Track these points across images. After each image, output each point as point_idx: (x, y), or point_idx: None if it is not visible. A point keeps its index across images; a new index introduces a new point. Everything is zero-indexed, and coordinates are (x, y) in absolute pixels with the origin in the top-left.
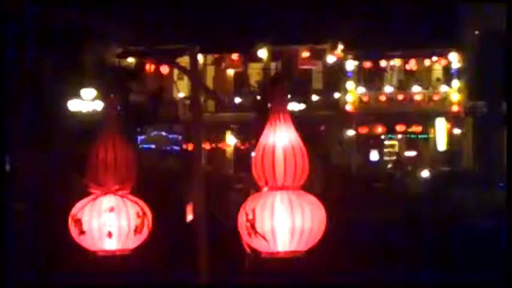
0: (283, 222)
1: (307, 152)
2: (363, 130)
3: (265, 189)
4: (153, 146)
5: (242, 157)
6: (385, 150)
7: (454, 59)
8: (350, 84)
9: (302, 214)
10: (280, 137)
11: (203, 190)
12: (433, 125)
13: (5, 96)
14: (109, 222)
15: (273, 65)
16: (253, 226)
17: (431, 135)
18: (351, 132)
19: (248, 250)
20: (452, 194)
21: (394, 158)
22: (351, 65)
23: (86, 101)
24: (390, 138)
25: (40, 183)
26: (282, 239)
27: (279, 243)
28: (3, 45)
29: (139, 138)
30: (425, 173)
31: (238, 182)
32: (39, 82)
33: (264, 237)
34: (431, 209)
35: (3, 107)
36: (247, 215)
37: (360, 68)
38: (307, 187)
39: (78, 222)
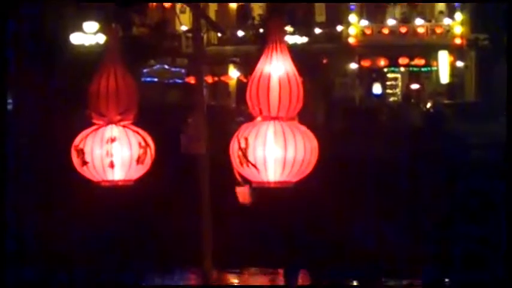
0: (276, 152)
1: (309, 85)
2: (366, 63)
3: (258, 118)
4: (155, 80)
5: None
6: (388, 83)
7: None
8: (353, 17)
9: (295, 145)
10: (276, 67)
11: (204, 122)
12: (435, 58)
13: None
14: (111, 152)
15: None
16: (245, 155)
17: (434, 68)
18: (353, 65)
19: (239, 179)
20: (454, 127)
21: (398, 90)
22: None
23: (88, 34)
24: (393, 71)
25: (43, 117)
26: (273, 169)
27: (270, 173)
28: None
29: (142, 71)
30: (428, 106)
31: (240, 115)
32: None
33: (255, 166)
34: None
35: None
36: (239, 143)
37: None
38: (309, 119)
39: (80, 152)
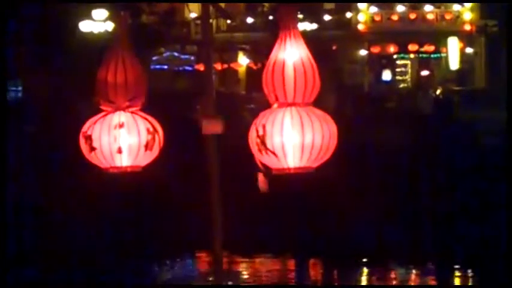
0: (293, 137)
1: (318, 72)
2: (375, 49)
3: (275, 105)
4: (165, 67)
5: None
6: (397, 69)
7: None
8: (362, 4)
9: (312, 130)
10: (291, 53)
11: (214, 110)
12: (445, 44)
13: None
14: (119, 138)
15: None
16: (263, 142)
17: (443, 55)
18: (363, 52)
19: (261, 166)
20: (464, 113)
21: (407, 77)
22: None
23: (98, 22)
24: (402, 58)
25: (52, 104)
26: (292, 155)
27: (289, 159)
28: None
29: (152, 58)
30: (437, 93)
31: (250, 102)
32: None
33: (274, 153)
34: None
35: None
36: (257, 131)
37: None
38: (319, 105)
39: (88, 138)
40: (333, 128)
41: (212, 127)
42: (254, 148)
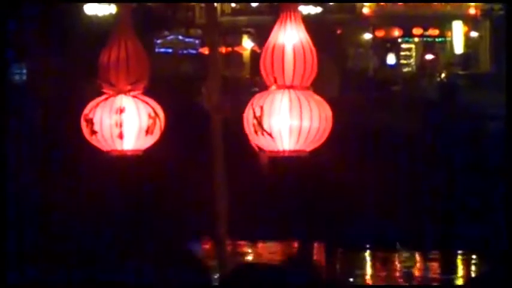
0: (291, 120)
1: (322, 56)
2: (380, 33)
3: (273, 87)
4: (170, 50)
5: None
6: (402, 53)
7: None
8: None
9: (310, 114)
10: (290, 36)
11: (218, 93)
12: (450, 28)
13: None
14: (120, 122)
15: None
16: (260, 123)
17: (448, 39)
18: (367, 36)
19: (256, 148)
20: (469, 97)
21: (412, 61)
22: None
23: (102, 4)
24: (407, 42)
25: (55, 86)
26: (289, 137)
27: (285, 141)
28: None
29: (156, 42)
30: (442, 77)
31: (254, 85)
32: None
33: (270, 135)
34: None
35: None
36: (254, 112)
37: None
38: (323, 89)
39: (89, 122)
40: (329, 113)
41: (219, 110)
42: (250, 129)
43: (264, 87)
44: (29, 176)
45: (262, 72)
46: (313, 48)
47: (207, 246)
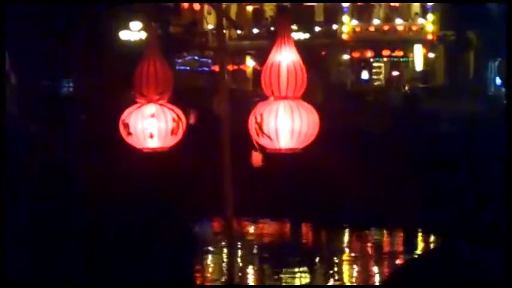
0: (285, 124)
1: (310, 73)
2: (356, 54)
3: (271, 98)
4: (188, 68)
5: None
6: (374, 70)
7: None
8: (345, 18)
9: (300, 118)
10: (285, 56)
11: (226, 102)
12: (412, 50)
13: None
14: (151, 125)
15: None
16: (260, 127)
17: (410, 59)
18: (346, 57)
19: (257, 147)
20: (427, 104)
21: (381, 76)
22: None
23: (134, 32)
24: (377, 61)
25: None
26: (284, 138)
27: (281, 141)
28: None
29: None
30: (406, 89)
31: (256, 96)
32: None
33: (269, 136)
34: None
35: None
36: (256, 118)
37: (353, 4)
38: (311, 99)
39: (126, 125)
40: (316, 117)
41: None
42: (253, 132)
43: (264, 98)
44: (78, 171)
45: (263, 85)
46: (303, 66)
47: (216, 224)
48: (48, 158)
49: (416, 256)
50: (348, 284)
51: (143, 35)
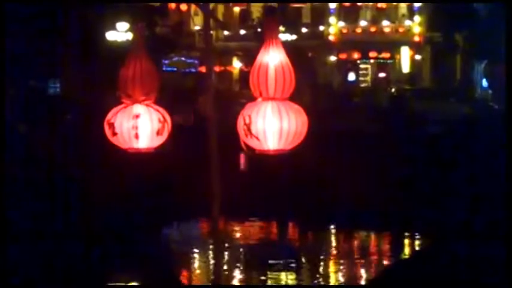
0: (273, 125)
1: (298, 74)
2: (343, 56)
3: (259, 99)
4: (174, 69)
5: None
6: (360, 72)
7: None
8: (332, 19)
9: (288, 119)
10: (273, 58)
11: (212, 101)
12: (398, 52)
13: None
14: (136, 125)
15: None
16: (249, 128)
17: (397, 60)
18: (333, 58)
19: (245, 148)
20: (413, 105)
21: (368, 78)
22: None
23: (121, 32)
24: (364, 63)
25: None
26: (272, 139)
27: (270, 143)
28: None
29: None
30: (392, 90)
31: (242, 97)
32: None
33: (257, 138)
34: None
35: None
36: (244, 119)
37: (340, 5)
38: (298, 100)
39: (111, 125)
40: (304, 118)
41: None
42: (241, 133)
43: (250, 99)
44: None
45: (251, 86)
46: (291, 67)
47: (203, 225)
48: (35, 157)
49: (402, 258)
50: (334, 284)
51: (129, 36)
